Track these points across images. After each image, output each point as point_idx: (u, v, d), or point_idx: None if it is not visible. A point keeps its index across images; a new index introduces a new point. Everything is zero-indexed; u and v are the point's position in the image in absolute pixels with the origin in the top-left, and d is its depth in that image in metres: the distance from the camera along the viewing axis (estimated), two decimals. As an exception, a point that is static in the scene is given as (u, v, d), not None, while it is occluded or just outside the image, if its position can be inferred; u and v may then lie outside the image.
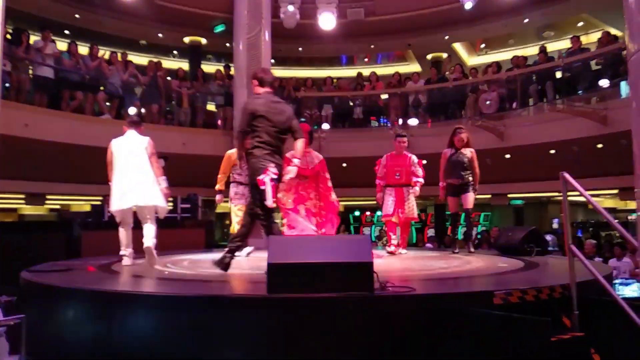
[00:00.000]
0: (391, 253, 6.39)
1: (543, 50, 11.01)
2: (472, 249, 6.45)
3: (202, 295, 3.40)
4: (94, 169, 5.91)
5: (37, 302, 4.02)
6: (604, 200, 15.43)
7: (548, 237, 8.78)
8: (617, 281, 6.96)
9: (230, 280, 3.73)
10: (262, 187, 3.89)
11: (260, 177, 3.89)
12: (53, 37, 9.96)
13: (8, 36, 8.93)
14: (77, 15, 12.19)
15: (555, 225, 15.50)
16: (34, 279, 4.06)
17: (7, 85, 8.79)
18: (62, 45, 10.62)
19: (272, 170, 3.89)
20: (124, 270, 4.87)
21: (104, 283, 4.25)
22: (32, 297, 4.09)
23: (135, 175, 5.00)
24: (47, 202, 11.51)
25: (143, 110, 10.75)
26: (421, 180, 6.43)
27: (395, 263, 5.52)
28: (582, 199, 3.59)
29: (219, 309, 3.20)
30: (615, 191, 11.19)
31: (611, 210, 15.30)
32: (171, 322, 3.24)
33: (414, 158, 6.48)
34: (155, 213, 5.10)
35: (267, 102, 4.07)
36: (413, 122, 11.53)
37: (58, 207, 13.29)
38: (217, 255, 6.39)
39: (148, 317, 3.32)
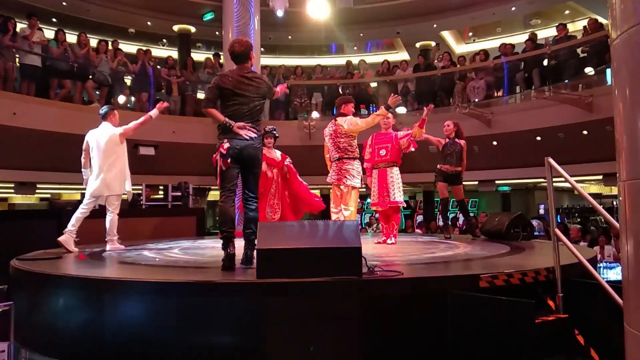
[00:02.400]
0: (380, 243, 5.97)
1: (532, 38, 11.09)
2: (478, 234, 6.58)
3: (192, 281, 3.41)
4: (84, 157, 5.89)
5: (26, 290, 4.03)
6: (590, 186, 15.67)
7: (534, 223, 8.94)
8: (601, 264, 7.14)
9: (218, 266, 3.77)
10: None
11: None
12: (40, 25, 9.84)
13: (-6, 24, 8.83)
14: (64, 3, 12.03)
15: (541, 211, 15.72)
16: (23, 267, 4.06)
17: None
18: (49, 33, 10.49)
19: (225, 146, 3.85)
20: (113, 257, 4.91)
21: (93, 270, 4.27)
22: (22, 285, 4.10)
23: (100, 167, 5.52)
24: (38, 191, 11.43)
25: (133, 98, 10.70)
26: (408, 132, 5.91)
27: (384, 248, 5.60)
28: (568, 185, 3.67)
29: (209, 294, 3.22)
30: (600, 177, 11.36)
31: (596, 196, 15.56)
32: (161, 309, 3.26)
33: (400, 133, 6.04)
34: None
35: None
36: (401, 110, 11.58)
37: (49, 196, 13.22)
38: (207, 242, 6.51)
39: (138, 303, 3.32)
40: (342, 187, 5.50)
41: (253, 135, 3.87)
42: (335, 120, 5.57)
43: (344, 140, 5.45)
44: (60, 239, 5.31)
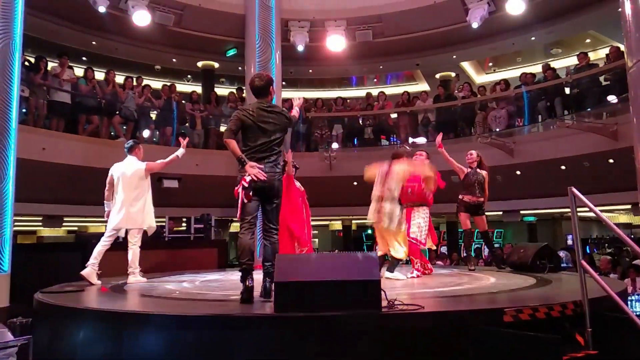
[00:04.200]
0: (418, 276, 5.84)
1: (547, 67, 11.08)
2: (502, 266, 6.51)
3: (211, 314, 3.43)
4: (110, 191, 6.04)
5: (49, 323, 4.08)
6: (619, 216, 15.24)
7: (561, 254, 8.71)
8: (633, 297, 6.87)
9: (238, 299, 3.76)
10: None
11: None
12: (70, 64, 10.26)
13: (27, 63, 9.23)
14: (93, 42, 12.56)
15: (569, 242, 15.31)
16: (45, 300, 4.14)
17: (24, 110, 9.08)
18: (79, 71, 10.93)
19: (247, 179, 3.88)
20: (135, 290, 4.96)
21: (113, 303, 4.32)
22: (45, 318, 4.15)
23: (123, 200, 5.61)
24: (65, 224, 11.70)
25: (157, 132, 10.98)
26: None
27: (405, 281, 5.52)
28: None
29: (227, 328, 3.22)
30: (629, 206, 11.06)
31: (626, 226, 15.11)
32: (180, 342, 3.26)
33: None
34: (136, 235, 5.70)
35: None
36: (422, 140, 11.60)
37: (76, 228, 13.50)
38: (229, 275, 6.52)
39: (157, 336, 3.34)
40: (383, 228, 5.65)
41: (262, 178, 3.89)
42: (391, 164, 5.73)
43: (393, 184, 5.59)
44: (83, 272, 5.40)
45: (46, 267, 6.62)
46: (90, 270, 5.41)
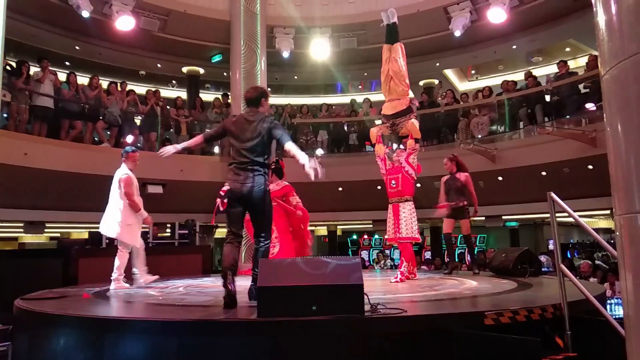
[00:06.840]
0: (401, 280, 5.81)
1: (529, 74, 11.28)
2: (476, 270, 6.59)
3: (193, 320, 3.40)
4: (92, 196, 6.02)
5: (28, 330, 4.02)
6: (599, 221, 15.50)
7: (542, 258, 8.84)
8: (612, 301, 7.00)
9: (221, 305, 3.75)
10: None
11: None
12: (54, 68, 10.15)
13: (8, 67, 9.11)
14: (77, 47, 12.45)
15: (550, 247, 15.52)
16: (25, 307, 4.07)
17: (6, 115, 8.95)
18: (62, 75, 10.82)
19: (224, 188, 3.98)
20: (117, 296, 4.91)
21: (94, 309, 4.28)
22: (25, 325, 4.09)
23: (108, 206, 5.65)
24: (47, 230, 11.53)
25: (141, 138, 10.90)
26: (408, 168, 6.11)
27: (389, 285, 5.55)
28: (576, 219, 3.65)
29: (210, 333, 3.20)
30: (608, 212, 11.26)
31: (606, 231, 15.36)
32: (162, 348, 3.24)
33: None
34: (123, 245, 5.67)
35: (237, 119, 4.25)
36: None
37: (58, 234, 13.28)
38: (213, 280, 6.49)
39: (138, 342, 3.31)
40: None
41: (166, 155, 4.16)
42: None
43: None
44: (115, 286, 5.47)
45: (28, 273, 6.51)
46: (118, 284, 5.48)
